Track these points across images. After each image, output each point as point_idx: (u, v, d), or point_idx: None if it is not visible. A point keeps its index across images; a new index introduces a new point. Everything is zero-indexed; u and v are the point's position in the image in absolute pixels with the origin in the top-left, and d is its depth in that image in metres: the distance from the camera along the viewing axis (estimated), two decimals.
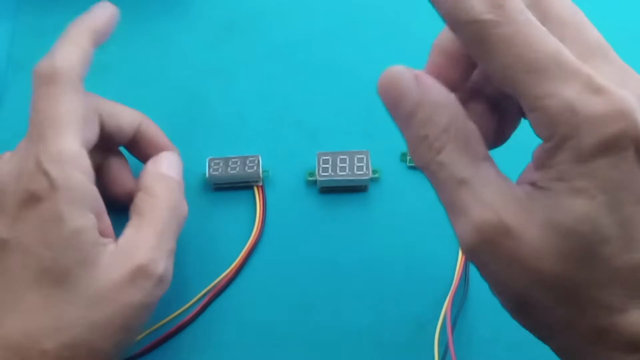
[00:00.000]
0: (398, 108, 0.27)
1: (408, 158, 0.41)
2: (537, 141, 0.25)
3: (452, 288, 0.37)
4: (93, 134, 0.34)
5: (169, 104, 0.43)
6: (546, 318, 0.26)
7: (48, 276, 0.31)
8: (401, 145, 0.41)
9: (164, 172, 0.36)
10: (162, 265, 0.33)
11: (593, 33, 0.25)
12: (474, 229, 0.24)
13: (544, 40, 0.23)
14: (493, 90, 0.28)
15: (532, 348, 0.36)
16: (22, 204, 0.31)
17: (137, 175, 0.39)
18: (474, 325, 0.37)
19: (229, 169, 0.40)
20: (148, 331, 0.37)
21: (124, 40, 0.46)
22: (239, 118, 0.43)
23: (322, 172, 0.39)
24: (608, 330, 0.24)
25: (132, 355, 0.36)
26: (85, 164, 0.32)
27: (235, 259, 0.38)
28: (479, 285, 0.37)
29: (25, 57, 0.46)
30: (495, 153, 0.28)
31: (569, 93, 0.23)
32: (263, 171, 0.40)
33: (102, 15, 0.36)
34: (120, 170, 0.38)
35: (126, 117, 0.37)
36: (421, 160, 0.26)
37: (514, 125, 0.29)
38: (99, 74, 0.45)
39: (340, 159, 0.40)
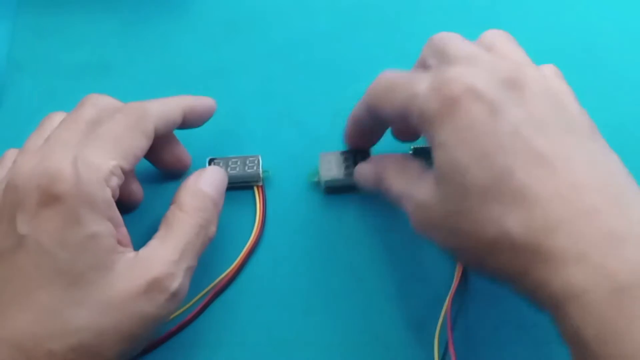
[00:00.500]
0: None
1: None
2: None
3: (452, 288, 0.37)
4: (137, 160, 0.35)
5: None
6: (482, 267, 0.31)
7: (61, 277, 0.31)
8: (401, 146, 0.41)
9: (202, 189, 0.36)
10: (178, 280, 0.33)
11: (461, 49, 0.33)
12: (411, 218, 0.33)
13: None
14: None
15: (533, 348, 0.36)
16: (42, 202, 0.31)
17: (139, 177, 0.39)
18: (474, 325, 0.37)
19: (229, 169, 0.40)
20: None
21: (124, 40, 0.46)
22: (239, 118, 0.43)
23: (326, 172, 0.39)
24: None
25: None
26: (113, 183, 0.33)
27: (235, 259, 0.38)
28: (479, 285, 0.37)
29: (25, 57, 0.46)
30: None
31: (414, 89, 0.32)
32: (263, 171, 0.40)
33: (204, 100, 0.39)
34: (171, 144, 0.40)
35: (176, 119, 0.37)
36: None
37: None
38: (99, 74, 0.45)
39: (345, 158, 0.40)
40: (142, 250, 0.33)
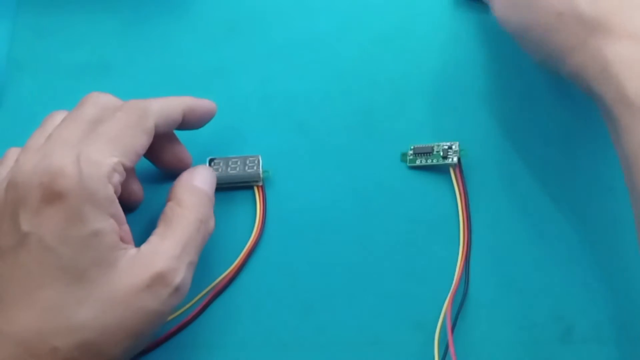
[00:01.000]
0: None
1: (408, 158, 0.41)
2: None
3: (452, 288, 0.37)
4: (138, 158, 0.35)
5: None
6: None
7: (64, 274, 0.31)
8: (401, 145, 0.41)
9: (197, 185, 0.36)
10: (181, 275, 0.33)
11: None
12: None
13: None
14: None
15: (533, 348, 0.36)
16: (44, 199, 0.31)
17: (140, 177, 0.39)
18: (474, 325, 0.37)
19: (229, 169, 0.40)
20: None
21: (124, 40, 0.46)
22: (239, 118, 0.43)
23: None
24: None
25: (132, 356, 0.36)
26: (115, 179, 0.33)
27: (235, 259, 0.38)
28: (479, 285, 0.37)
29: (25, 57, 0.46)
30: None
31: None
32: (263, 171, 0.40)
33: (204, 102, 0.39)
34: (172, 143, 0.39)
35: (176, 118, 0.38)
36: None
37: None
38: (99, 74, 0.45)
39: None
40: (144, 247, 0.33)
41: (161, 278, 0.32)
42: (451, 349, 0.34)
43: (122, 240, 0.33)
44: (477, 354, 0.36)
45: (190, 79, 0.44)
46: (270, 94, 0.44)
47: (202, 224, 0.35)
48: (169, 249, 0.33)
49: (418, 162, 0.40)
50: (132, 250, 0.33)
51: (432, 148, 0.40)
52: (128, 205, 0.39)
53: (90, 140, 0.33)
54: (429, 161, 0.40)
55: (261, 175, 0.40)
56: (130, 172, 0.35)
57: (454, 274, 0.37)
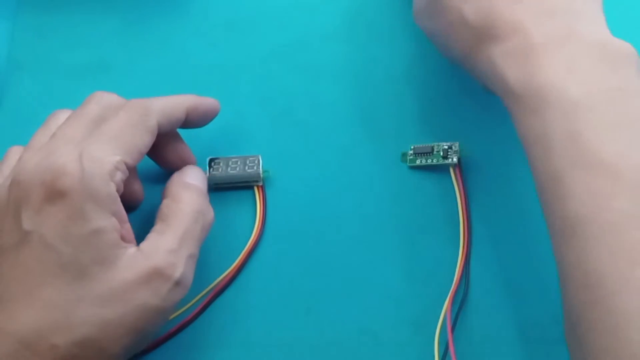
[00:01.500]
0: None
1: (408, 158, 0.41)
2: None
3: (452, 288, 0.37)
4: (140, 157, 0.35)
5: None
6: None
7: (65, 272, 0.31)
8: (401, 146, 0.41)
9: (191, 182, 0.37)
10: (180, 269, 0.33)
11: None
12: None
13: None
14: None
15: (532, 348, 0.36)
16: (47, 198, 0.31)
17: (141, 177, 0.39)
18: (474, 325, 0.37)
19: (229, 169, 0.40)
20: None
21: (124, 40, 0.46)
22: (239, 118, 0.43)
23: None
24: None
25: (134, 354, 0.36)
26: (117, 178, 0.33)
27: (235, 259, 0.38)
28: (479, 285, 0.37)
29: (25, 57, 0.46)
30: None
31: None
32: (263, 171, 0.40)
33: (207, 100, 0.39)
34: (175, 143, 0.39)
35: (179, 117, 0.38)
36: None
37: None
38: (99, 74, 0.45)
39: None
40: (142, 244, 0.33)
41: (160, 273, 0.32)
42: (451, 349, 0.34)
43: (123, 238, 0.33)
44: (477, 354, 0.36)
45: (190, 78, 0.44)
46: (270, 94, 0.44)
47: (199, 214, 0.35)
48: (166, 244, 0.33)
49: (418, 162, 0.40)
50: (132, 249, 0.33)
51: (432, 148, 0.40)
52: (129, 204, 0.39)
53: (92, 138, 0.33)
54: (429, 161, 0.40)
55: (261, 175, 0.40)
56: (132, 171, 0.36)
57: (454, 274, 0.37)
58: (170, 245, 0.33)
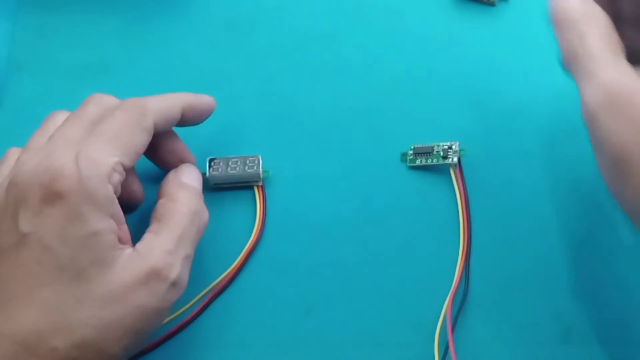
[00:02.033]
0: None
1: (408, 158, 0.41)
2: None
3: (452, 288, 0.37)
4: (137, 156, 0.35)
5: None
6: None
7: (63, 274, 0.31)
8: (401, 145, 0.41)
9: (186, 182, 0.37)
10: (177, 270, 0.33)
11: None
12: (602, 88, 0.29)
13: None
14: None
15: (532, 348, 0.36)
16: (44, 199, 0.31)
17: (140, 177, 0.39)
18: (474, 325, 0.37)
19: (229, 169, 0.40)
20: None
21: (124, 40, 0.46)
22: (239, 118, 0.43)
23: None
24: None
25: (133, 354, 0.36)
26: (115, 179, 0.33)
27: (235, 259, 0.38)
28: (479, 285, 0.37)
29: (25, 57, 0.46)
30: None
31: None
32: (263, 171, 0.40)
33: (203, 97, 0.39)
34: (173, 143, 0.39)
35: (175, 116, 0.37)
36: (562, 16, 0.31)
37: None
38: (99, 74, 0.45)
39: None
40: (139, 245, 0.33)
41: (157, 273, 0.32)
42: (451, 349, 0.34)
43: (120, 240, 0.33)
44: (477, 354, 0.36)
45: (190, 78, 0.44)
46: (270, 94, 0.44)
47: (195, 215, 0.35)
48: (163, 244, 0.33)
49: (418, 162, 0.40)
50: (129, 250, 0.33)
51: (432, 148, 0.40)
52: (128, 205, 0.38)
53: (90, 139, 0.33)
54: (429, 161, 0.40)
55: (261, 175, 0.40)
56: (130, 171, 0.35)
57: (454, 274, 0.37)
58: (166, 246, 0.33)
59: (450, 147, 0.40)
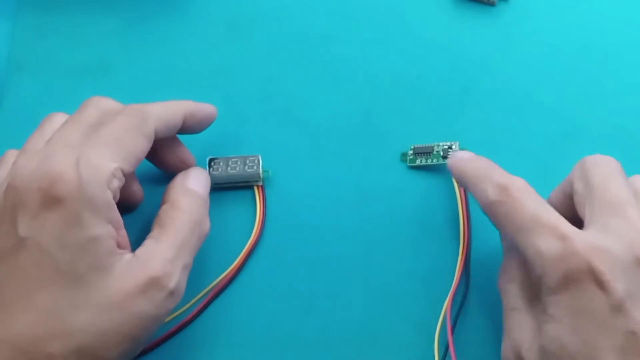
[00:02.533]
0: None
1: (408, 158, 0.41)
2: None
3: (452, 288, 0.37)
4: (137, 163, 0.35)
5: None
6: None
7: (61, 279, 0.31)
8: (401, 145, 0.41)
9: (191, 187, 0.36)
10: (176, 279, 0.33)
11: (612, 192, 0.32)
12: (510, 345, 0.32)
13: (527, 206, 0.32)
14: None
15: None
16: (43, 203, 0.31)
17: (140, 177, 0.39)
18: (474, 325, 0.37)
19: (229, 169, 0.40)
20: None
21: (124, 40, 0.46)
22: (239, 118, 0.43)
23: None
24: None
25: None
26: (114, 185, 0.33)
27: (235, 259, 0.38)
28: (479, 285, 0.37)
29: (25, 57, 0.46)
30: None
31: (540, 242, 0.31)
32: (263, 171, 0.40)
33: (205, 106, 0.39)
34: (173, 145, 0.39)
35: (176, 123, 0.37)
36: (499, 284, 0.35)
37: None
38: (99, 74, 0.45)
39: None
40: (139, 251, 0.33)
41: (156, 282, 0.32)
42: (451, 349, 0.34)
43: (119, 245, 0.33)
44: (477, 354, 0.36)
45: (190, 78, 0.44)
46: (270, 94, 0.44)
47: (196, 225, 0.35)
48: (163, 253, 0.33)
49: (418, 162, 0.40)
50: (128, 255, 0.33)
51: (432, 148, 0.40)
52: (128, 206, 0.38)
53: (90, 143, 0.33)
54: (429, 161, 0.40)
55: (261, 175, 0.40)
56: (129, 175, 0.35)
57: (454, 274, 0.37)
58: (166, 254, 0.33)
59: (450, 147, 0.40)
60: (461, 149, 0.40)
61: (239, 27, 0.46)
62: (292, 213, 0.40)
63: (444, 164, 0.40)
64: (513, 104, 0.43)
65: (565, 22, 0.45)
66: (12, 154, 0.35)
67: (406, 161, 0.41)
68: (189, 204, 0.35)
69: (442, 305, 0.36)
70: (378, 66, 0.44)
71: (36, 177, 0.32)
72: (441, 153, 0.40)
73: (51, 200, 0.31)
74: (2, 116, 0.44)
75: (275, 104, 0.43)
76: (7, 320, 0.31)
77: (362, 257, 0.39)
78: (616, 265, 0.30)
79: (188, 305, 0.37)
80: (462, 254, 0.38)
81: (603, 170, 0.33)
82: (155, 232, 0.34)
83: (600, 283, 0.29)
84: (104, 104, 0.35)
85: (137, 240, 0.34)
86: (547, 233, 0.31)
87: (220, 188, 0.40)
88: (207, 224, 0.36)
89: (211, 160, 0.40)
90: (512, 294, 0.33)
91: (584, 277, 0.29)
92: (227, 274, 0.38)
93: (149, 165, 0.40)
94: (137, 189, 0.39)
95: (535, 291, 0.32)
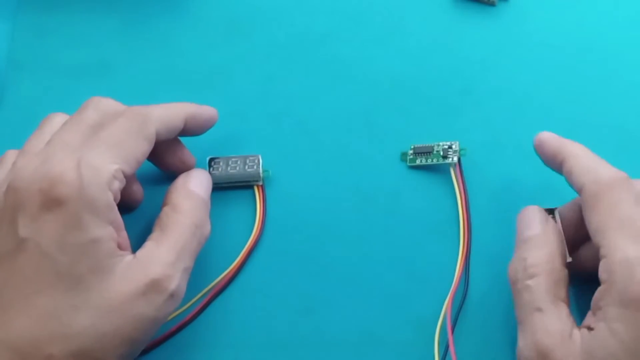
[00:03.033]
0: (521, 232, 0.35)
1: (408, 158, 0.41)
2: None
3: (452, 288, 0.37)
4: (138, 165, 0.35)
5: None
6: None
7: (61, 281, 0.31)
8: (401, 145, 0.41)
9: (192, 189, 0.36)
10: (176, 282, 0.33)
11: None
12: (534, 347, 0.31)
13: (632, 207, 0.31)
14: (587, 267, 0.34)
15: None
16: (44, 205, 0.31)
17: (140, 178, 0.39)
18: (474, 325, 0.37)
19: (228, 169, 0.40)
20: None
21: (124, 40, 0.46)
22: (239, 118, 0.43)
23: None
24: None
25: None
26: (115, 186, 0.33)
27: (235, 259, 0.38)
28: (479, 285, 0.37)
29: (25, 57, 0.46)
30: None
31: (633, 248, 0.29)
32: (263, 171, 0.40)
33: (206, 108, 0.39)
34: (174, 145, 0.39)
35: (177, 126, 0.37)
36: (513, 276, 0.34)
37: None
38: (99, 74, 0.45)
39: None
40: (139, 253, 0.33)
41: (156, 285, 0.32)
42: (451, 349, 0.34)
43: (119, 247, 0.33)
44: (477, 354, 0.36)
45: (190, 79, 0.44)
46: (270, 94, 0.44)
47: (197, 228, 0.35)
48: (164, 255, 0.33)
49: (418, 162, 0.40)
50: (129, 257, 0.33)
51: (432, 148, 0.40)
52: (128, 206, 0.38)
53: (90, 145, 0.33)
54: (429, 161, 0.40)
55: (261, 175, 0.40)
56: (130, 176, 0.35)
57: (454, 274, 0.37)
58: (167, 258, 0.33)
59: (450, 147, 0.40)
60: (461, 149, 0.40)
61: (239, 27, 0.46)
62: (292, 213, 0.40)
63: (444, 163, 0.40)
64: (513, 104, 0.43)
65: (565, 22, 0.45)
66: (11, 155, 0.35)
67: (406, 161, 0.41)
68: (190, 206, 0.35)
69: (442, 305, 0.36)
70: (378, 66, 0.44)
71: (37, 179, 0.31)
72: (441, 153, 0.40)
73: (51, 201, 0.31)
74: (2, 116, 0.44)
75: (275, 104, 0.43)
76: (7, 322, 0.31)
77: (362, 256, 0.39)
78: None
79: (188, 305, 0.37)
80: (462, 253, 0.38)
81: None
82: (156, 234, 0.34)
83: None
84: (104, 104, 0.35)
85: (137, 240, 0.34)
86: None
87: (220, 188, 0.40)
88: (207, 227, 0.36)
89: (211, 160, 0.40)
90: (537, 292, 0.32)
91: None
92: (227, 274, 0.38)
93: (149, 165, 0.40)
94: (137, 188, 0.39)
95: (564, 290, 0.32)
